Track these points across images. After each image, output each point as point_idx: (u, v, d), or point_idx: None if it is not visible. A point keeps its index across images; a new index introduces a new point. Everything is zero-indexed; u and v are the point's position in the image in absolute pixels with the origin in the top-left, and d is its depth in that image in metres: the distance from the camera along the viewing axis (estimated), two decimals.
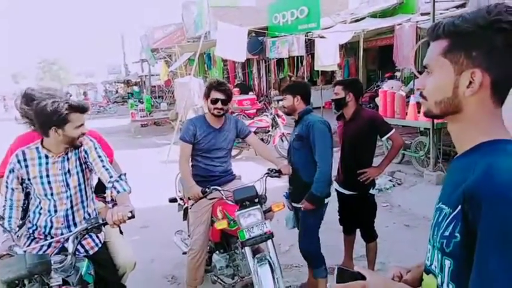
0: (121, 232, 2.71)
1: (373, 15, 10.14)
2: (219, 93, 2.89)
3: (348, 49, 12.21)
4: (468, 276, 0.81)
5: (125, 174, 2.23)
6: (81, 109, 2.07)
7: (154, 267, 3.75)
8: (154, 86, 20.99)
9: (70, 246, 1.93)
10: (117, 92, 29.53)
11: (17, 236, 2.10)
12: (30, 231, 2.21)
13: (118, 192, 2.07)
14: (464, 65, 0.89)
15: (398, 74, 10.41)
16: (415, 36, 7.62)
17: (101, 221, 1.92)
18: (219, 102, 2.88)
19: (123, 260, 2.45)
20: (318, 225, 2.88)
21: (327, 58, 9.06)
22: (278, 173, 2.86)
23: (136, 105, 14.25)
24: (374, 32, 9.46)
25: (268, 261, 2.52)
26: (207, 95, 2.94)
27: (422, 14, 8.57)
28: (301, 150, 2.82)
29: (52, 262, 1.84)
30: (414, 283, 1.10)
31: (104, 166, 2.16)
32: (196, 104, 9.90)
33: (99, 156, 2.18)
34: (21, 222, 2.23)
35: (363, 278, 0.97)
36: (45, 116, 1.97)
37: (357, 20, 10.36)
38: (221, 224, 2.69)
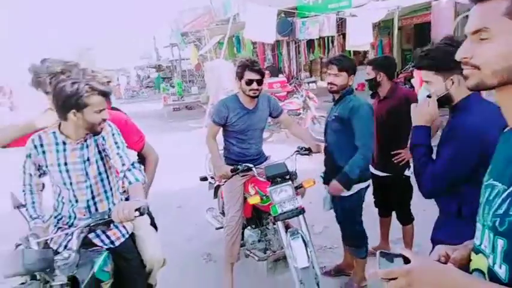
0: (155, 227, 2.57)
1: None
2: (253, 73, 2.75)
3: (382, 28, 11.80)
4: None
5: (139, 162, 2.04)
6: (103, 92, 1.88)
7: (190, 247, 3.87)
8: (185, 71, 21.20)
9: (74, 243, 1.75)
10: (148, 77, 30.08)
11: (44, 222, 1.99)
12: (56, 220, 2.08)
13: (130, 183, 1.88)
14: None
15: None
16: (453, 12, 7.25)
17: (106, 217, 1.72)
18: (254, 83, 2.76)
19: (151, 256, 2.27)
20: (357, 207, 2.79)
21: (359, 38, 8.81)
22: (308, 151, 2.83)
23: (168, 90, 14.47)
24: (409, 9, 9.09)
25: (301, 235, 2.55)
26: (240, 76, 2.79)
27: None
28: (339, 133, 2.68)
29: (57, 258, 1.69)
30: (461, 262, 1.05)
31: (118, 153, 1.96)
32: (227, 88, 9.95)
33: (116, 143, 1.99)
34: None
35: (407, 260, 0.89)
36: (63, 98, 1.80)
37: None
38: (254, 199, 2.75)
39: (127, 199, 2.05)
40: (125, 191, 2.20)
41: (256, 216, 3.16)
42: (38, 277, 1.64)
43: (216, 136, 2.98)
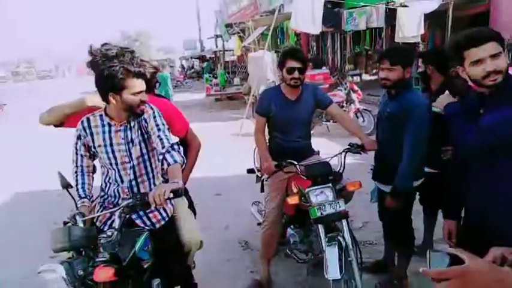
0: (194, 210, 2.62)
1: None
2: (295, 61, 2.66)
3: (434, 19, 11.20)
4: None
5: (177, 144, 2.04)
6: (138, 74, 1.93)
7: (228, 233, 3.91)
8: (228, 62, 21.39)
9: (116, 222, 1.81)
10: (192, 67, 30.63)
11: (91, 202, 2.09)
12: (102, 199, 2.16)
13: (168, 164, 1.89)
14: None
15: None
16: None
17: (146, 199, 1.77)
18: (296, 72, 2.66)
19: (189, 237, 2.32)
20: (404, 207, 2.60)
21: (410, 29, 8.43)
22: (360, 149, 2.64)
23: (211, 80, 14.70)
24: None
25: (339, 241, 2.35)
26: (281, 64, 2.72)
27: None
28: (391, 131, 2.49)
29: (101, 236, 1.76)
30: None
31: (159, 136, 1.99)
32: (269, 79, 9.92)
33: (157, 125, 2.02)
34: None
35: (459, 261, 0.82)
36: (101, 80, 1.88)
37: None
38: (293, 199, 2.60)
39: (167, 181, 2.07)
40: (164, 173, 2.23)
41: (300, 215, 2.94)
42: (83, 253, 1.72)
43: (263, 129, 2.90)
